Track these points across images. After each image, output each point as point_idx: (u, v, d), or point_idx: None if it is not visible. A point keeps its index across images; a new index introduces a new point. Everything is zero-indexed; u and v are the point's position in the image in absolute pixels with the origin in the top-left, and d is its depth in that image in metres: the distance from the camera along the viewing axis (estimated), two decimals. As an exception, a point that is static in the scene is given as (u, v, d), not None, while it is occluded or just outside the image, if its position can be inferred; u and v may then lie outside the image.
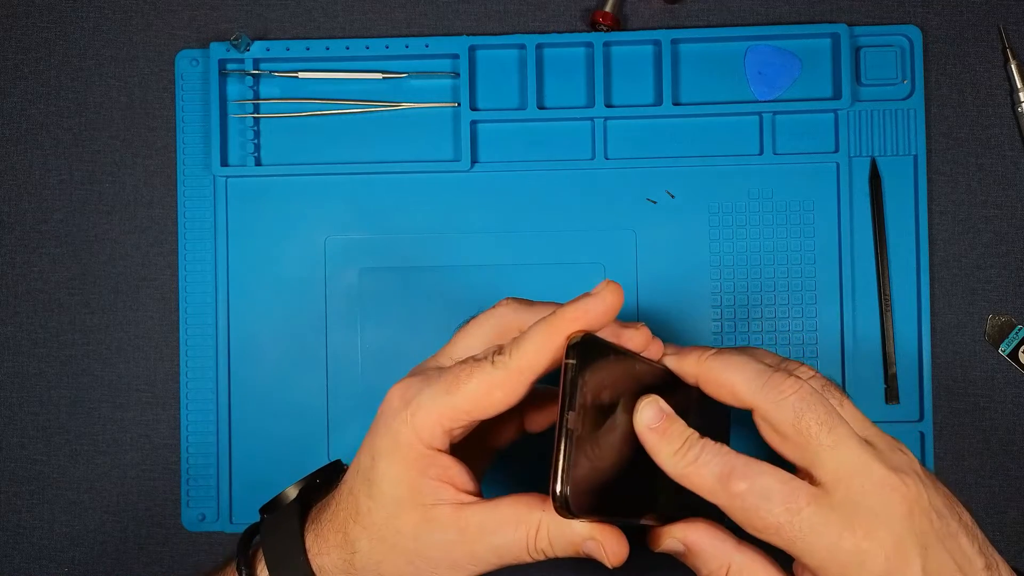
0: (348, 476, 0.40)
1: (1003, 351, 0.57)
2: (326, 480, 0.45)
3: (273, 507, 0.44)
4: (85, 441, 0.58)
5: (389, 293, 0.57)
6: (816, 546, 0.34)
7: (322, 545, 0.39)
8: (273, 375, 0.57)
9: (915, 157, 0.57)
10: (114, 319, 0.59)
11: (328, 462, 0.47)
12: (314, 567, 0.39)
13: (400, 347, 0.57)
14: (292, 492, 0.44)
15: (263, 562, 0.40)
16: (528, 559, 0.37)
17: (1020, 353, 0.56)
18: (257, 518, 0.57)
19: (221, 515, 0.57)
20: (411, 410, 0.37)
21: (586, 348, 0.34)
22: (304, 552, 0.39)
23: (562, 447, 0.33)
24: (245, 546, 0.42)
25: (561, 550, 0.37)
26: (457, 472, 0.38)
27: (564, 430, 0.33)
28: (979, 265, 0.57)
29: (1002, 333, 0.57)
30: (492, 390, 0.36)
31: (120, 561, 0.58)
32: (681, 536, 0.38)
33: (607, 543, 0.36)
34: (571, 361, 0.34)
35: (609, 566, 0.37)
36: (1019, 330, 0.56)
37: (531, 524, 0.36)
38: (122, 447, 0.58)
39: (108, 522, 0.58)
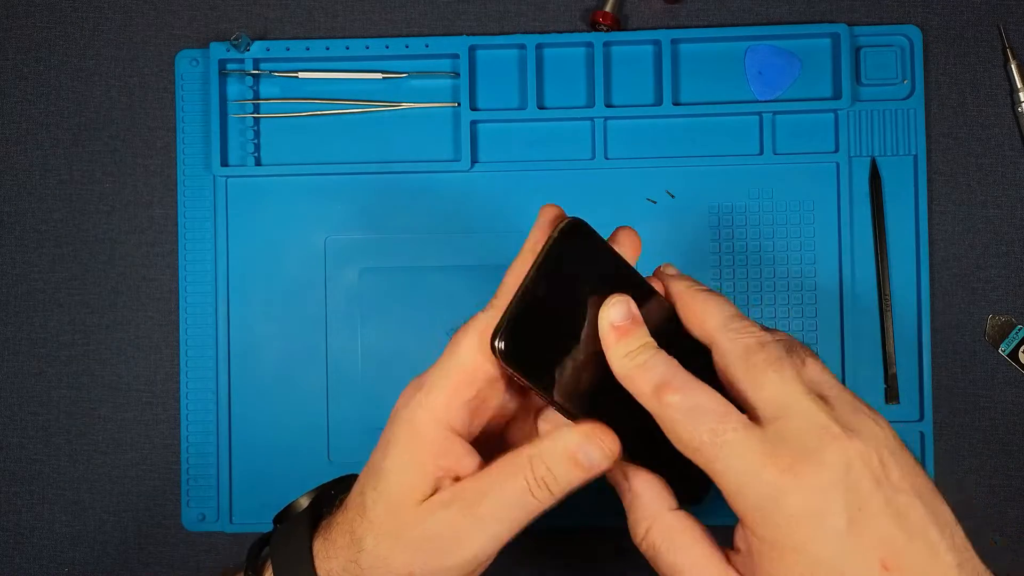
0: (359, 477, 0.39)
1: (1003, 351, 0.57)
2: (340, 491, 0.43)
3: (285, 516, 0.43)
4: (85, 441, 0.58)
5: (389, 293, 0.57)
6: (735, 470, 0.32)
7: (330, 549, 0.38)
8: (273, 375, 0.57)
9: (915, 157, 0.57)
10: (114, 319, 0.59)
11: (343, 475, 0.45)
12: (321, 573, 0.38)
13: (400, 347, 0.57)
14: (304, 501, 0.43)
15: (270, 572, 0.39)
16: (536, 503, 0.35)
17: (1020, 353, 0.56)
18: (254, 519, 0.57)
19: (221, 515, 0.57)
20: (425, 391, 0.36)
21: (573, 230, 0.36)
22: (311, 560, 0.38)
23: (517, 294, 0.35)
24: (254, 555, 0.42)
25: (561, 472, 0.35)
26: (469, 464, 0.37)
27: (525, 284, 0.35)
28: (979, 265, 0.57)
29: (1002, 333, 0.57)
30: (489, 333, 0.35)
31: (120, 561, 0.58)
32: (631, 475, 0.36)
33: (596, 435, 0.35)
34: (554, 235, 0.36)
35: (607, 460, 0.35)
36: (1019, 330, 0.56)
37: (523, 464, 0.35)
38: (122, 447, 0.58)
39: (108, 522, 0.58)
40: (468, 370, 0.36)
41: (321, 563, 0.38)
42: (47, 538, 0.58)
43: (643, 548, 0.36)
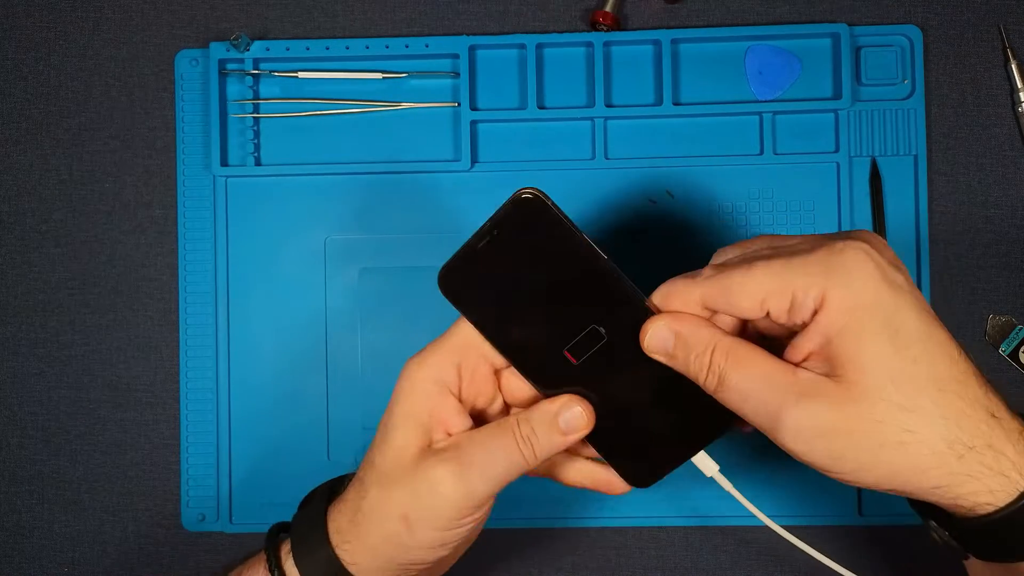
0: (373, 441, 0.42)
1: (1003, 351, 0.57)
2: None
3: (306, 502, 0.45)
4: (85, 441, 0.58)
5: (389, 293, 0.57)
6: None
7: (340, 506, 0.41)
8: (273, 375, 0.57)
9: (915, 157, 0.57)
10: (114, 319, 0.59)
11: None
12: (331, 530, 0.41)
13: (400, 347, 0.57)
14: (324, 485, 0.45)
15: (287, 550, 0.42)
16: (521, 459, 0.39)
17: (1020, 353, 0.56)
18: (254, 519, 0.57)
19: (221, 515, 0.57)
20: (423, 356, 0.41)
21: (528, 201, 0.39)
22: (324, 520, 0.41)
23: (465, 243, 0.39)
24: (274, 534, 0.44)
25: (543, 432, 0.39)
26: (461, 423, 0.40)
27: (475, 236, 0.39)
28: (979, 265, 0.57)
29: (1002, 333, 0.57)
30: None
31: (120, 561, 0.58)
32: (670, 323, 0.38)
33: (574, 402, 0.40)
34: (507, 202, 0.39)
35: (582, 424, 0.40)
36: (1019, 330, 0.56)
37: (512, 423, 0.40)
38: (122, 447, 0.58)
39: (108, 522, 0.58)
40: (462, 341, 0.40)
41: (332, 523, 0.41)
42: (47, 538, 0.58)
43: (709, 378, 0.38)
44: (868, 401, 0.34)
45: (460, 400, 0.41)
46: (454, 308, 0.40)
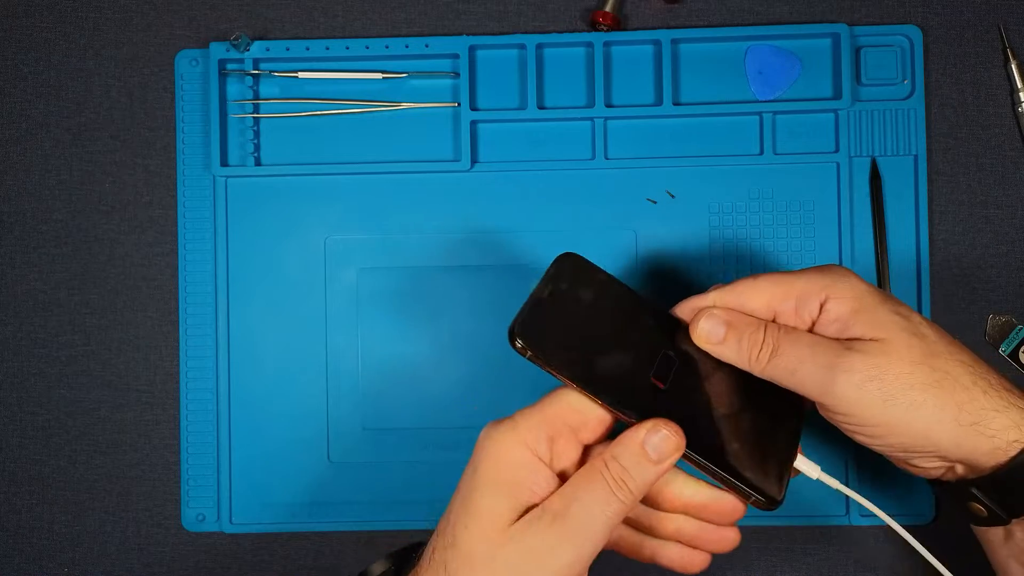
0: (447, 511, 0.39)
1: (1003, 351, 0.57)
2: (418, 552, 0.42)
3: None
4: (85, 441, 0.58)
5: (389, 293, 0.57)
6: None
7: None
8: (273, 375, 0.57)
9: (915, 157, 0.57)
10: (114, 319, 0.59)
11: (418, 542, 0.44)
12: None
13: (400, 347, 0.57)
14: (378, 567, 0.42)
15: None
16: (619, 503, 0.37)
17: (1020, 353, 0.56)
18: (254, 519, 0.57)
19: (221, 515, 0.57)
20: (513, 421, 0.38)
21: (567, 257, 0.42)
22: None
23: (529, 298, 0.41)
24: None
25: (635, 467, 0.37)
26: (549, 487, 0.38)
27: (536, 290, 0.41)
28: (979, 265, 0.57)
29: (1002, 333, 0.57)
30: (573, 397, 0.39)
31: (120, 561, 0.58)
32: (719, 313, 0.42)
33: (659, 426, 0.38)
34: (556, 262, 0.42)
35: (674, 448, 0.38)
36: (1019, 330, 0.56)
37: (600, 467, 0.37)
38: (122, 447, 0.58)
39: (108, 522, 0.58)
40: (559, 417, 0.38)
41: None
42: (47, 538, 0.58)
43: (763, 352, 0.41)
44: (903, 348, 0.40)
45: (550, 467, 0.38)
46: (532, 363, 0.39)
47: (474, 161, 0.57)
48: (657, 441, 0.37)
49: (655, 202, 0.57)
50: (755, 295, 0.42)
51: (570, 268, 0.42)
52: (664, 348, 0.41)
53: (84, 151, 0.59)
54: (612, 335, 0.41)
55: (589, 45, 0.57)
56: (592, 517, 0.36)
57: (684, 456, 0.39)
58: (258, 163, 0.58)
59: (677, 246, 0.57)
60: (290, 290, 0.58)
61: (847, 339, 0.40)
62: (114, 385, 0.59)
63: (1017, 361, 0.56)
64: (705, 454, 0.39)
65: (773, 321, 0.42)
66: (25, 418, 0.59)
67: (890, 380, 0.39)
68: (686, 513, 0.41)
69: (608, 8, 0.57)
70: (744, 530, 0.57)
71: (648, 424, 0.38)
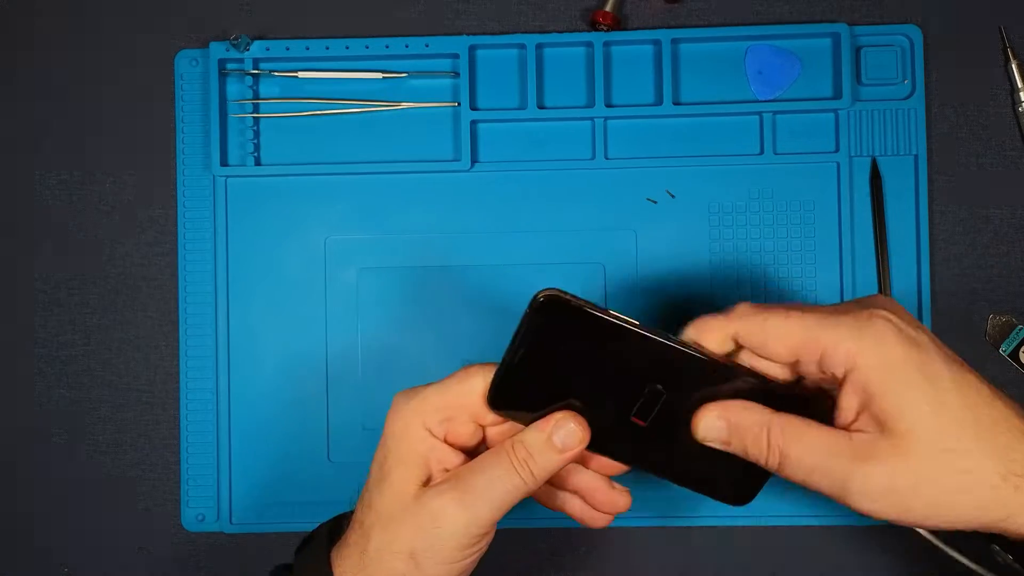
0: (368, 479, 0.42)
1: (1003, 351, 0.57)
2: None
3: (303, 544, 0.45)
4: (84, 441, 0.58)
5: (389, 293, 0.57)
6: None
7: (343, 550, 0.41)
8: (273, 375, 0.57)
9: (915, 157, 0.57)
10: (114, 319, 0.59)
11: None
12: (336, 573, 0.41)
13: (400, 347, 0.57)
14: (323, 528, 0.45)
15: None
16: (521, 482, 0.40)
17: (1020, 353, 0.56)
18: (254, 519, 0.57)
19: (221, 515, 0.57)
20: (418, 399, 0.41)
21: (545, 305, 0.38)
22: (329, 567, 0.41)
23: (501, 361, 0.40)
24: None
25: (538, 451, 0.40)
26: (456, 460, 0.41)
27: (508, 352, 0.40)
28: (979, 265, 0.57)
29: (1002, 333, 0.57)
30: (476, 381, 0.41)
31: (120, 561, 0.58)
32: (720, 414, 0.40)
33: (567, 419, 0.40)
34: (528, 311, 0.39)
35: (576, 441, 0.40)
36: (1019, 330, 0.56)
37: (507, 449, 0.40)
38: (122, 447, 0.58)
39: (108, 522, 0.58)
40: (455, 400, 0.41)
41: (337, 568, 0.41)
42: (47, 538, 0.58)
43: (771, 459, 0.39)
44: (921, 452, 0.37)
45: (448, 444, 0.41)
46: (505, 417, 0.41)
47: (474, 161, 0.57)
48: (563, 434, 0.40)
49: (655, 202, 0.57)
50: (780, 339, 0.38)
51: (543, 319, 0.38)
52: (652, 381, 0.40)
53: (84, 151, 0.59)
54: (591, 380, 0.40)
55: (589, 45, 0.57)
56: (491, 487, 0.40)
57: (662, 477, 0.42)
58: (258, 163, 0.58)
59: (677, 246, 0.57)
60: (290, 290, 0.58)
61: (871, 432, 0.38)
62: (114, 385, 0.59)
63: (1017, 361, 0.56)
64: (686, 483, 0.42)
65: (776, 411, 0.39)
66: (25, 418, 0.59)
67: (906, 494, 0.37)
68: (577, 494, 0.44)
69: (608, 8, 0.57)
70: (745, 530, 0.57)
71: (557, 416, 0.40)
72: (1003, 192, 0.57)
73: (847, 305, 0.40)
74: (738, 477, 0.42)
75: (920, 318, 0.56)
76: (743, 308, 0.40)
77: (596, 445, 0.41)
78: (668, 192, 0.57)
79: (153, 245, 0.59)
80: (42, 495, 0.59)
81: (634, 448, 0.41)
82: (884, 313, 0.38)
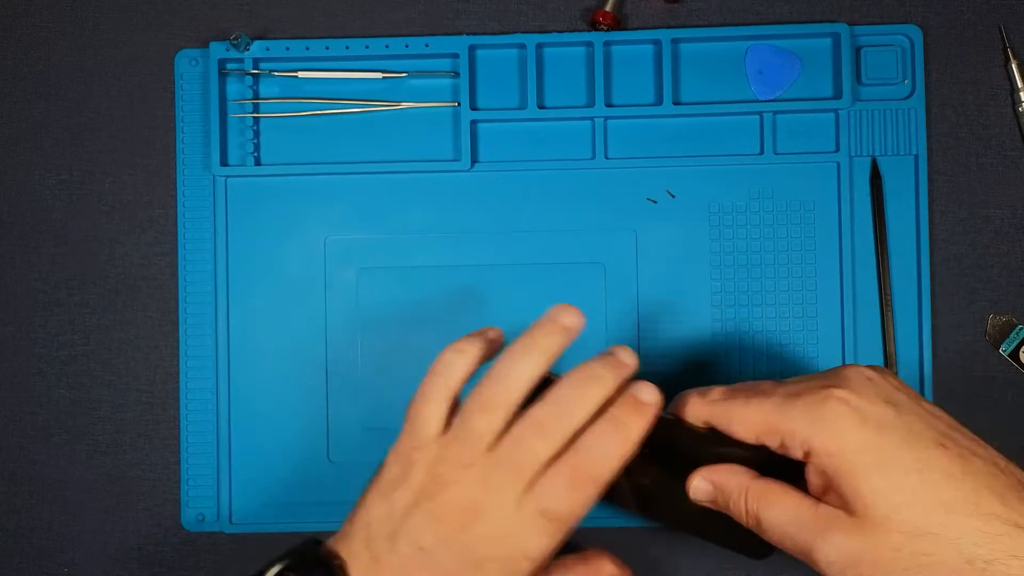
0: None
1: (1003, 351, 0.57)
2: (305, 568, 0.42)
3: None
4: (85, 441, 0.58)
5: (389, 293, 0.57)
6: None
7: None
8: (273, 375, 0.57)
9: (916, 157, 0.57)
10: (114, 319, 0.59)
11: (300, 543, 0.43)
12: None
13: (400, 347, 0.57)
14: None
15: None
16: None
17: (1021, 353, 0.56)
18: (254, 520, 0.57)
19: (221, 515, 0.57)
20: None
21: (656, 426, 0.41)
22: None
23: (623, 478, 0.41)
24: None
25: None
26: None
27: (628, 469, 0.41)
28: (979, 265, 0.57)
29: (1002, 333, 0.57)
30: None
31: (120, 561, 0.58)
32: (705, 476, 0.42)
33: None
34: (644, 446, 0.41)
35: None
36: (1020, 330, 0.56)
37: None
38: (122, 447, 0.58)
39: (108, 522, 0.58)
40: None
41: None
42: (47, 538, 0.58)
43: (749, 521, 0.41)
44: (881, 532, 0.37)
45: None
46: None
47: (474, 161, 0.57)
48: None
49: (655, 202, 0.57)
50: (743, 426, 0.41)
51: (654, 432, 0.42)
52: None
53: (84, 151, 0.59)
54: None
55: (589, 45, 0.57)
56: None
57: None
58: (258, 163, 0.58)
59: (677, 246, 0.57)
60: (290, 290, 0.58)
61: (837, 505, 0.39)
62: (114, 385, 0.59)
63: (1017, 361, 0.56)
64: (713, 540, 0.46)
65: (759, 475, 0.41)
66: (25, 418, 0.59)
67: (867, 568, 0.37)
68: None
69: (608, 8, 0.57)
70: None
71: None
72: (1003, 192, 0.57)
73: (809, 383, 0.41)
74: (754, 533, 0.43)
75: (920, 318, 0.56)
76: (715, 393, 0.43)
77: (641, 507, 0.45)
78: (668, 192, 0.57)
79: (153, 245, 0.59)
80: (42, 495, 0.59)
81: (667, 506, 0.45)
82: (841, 394, 0.39)
